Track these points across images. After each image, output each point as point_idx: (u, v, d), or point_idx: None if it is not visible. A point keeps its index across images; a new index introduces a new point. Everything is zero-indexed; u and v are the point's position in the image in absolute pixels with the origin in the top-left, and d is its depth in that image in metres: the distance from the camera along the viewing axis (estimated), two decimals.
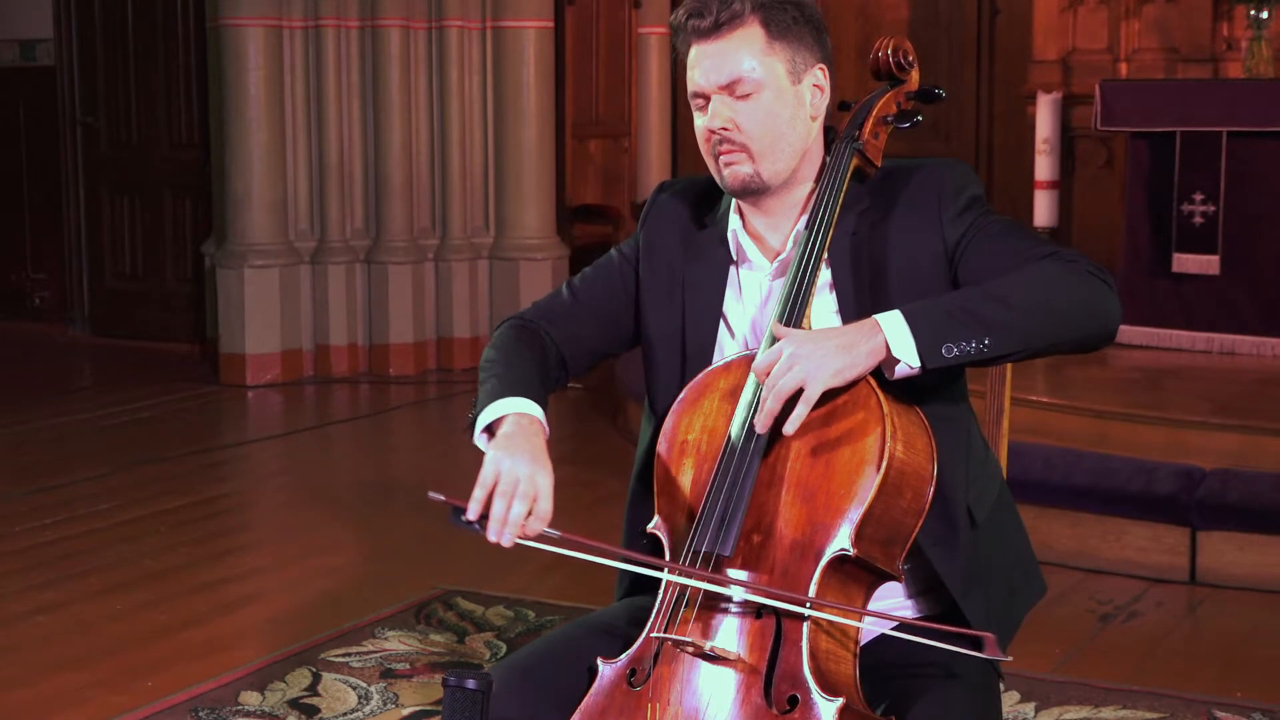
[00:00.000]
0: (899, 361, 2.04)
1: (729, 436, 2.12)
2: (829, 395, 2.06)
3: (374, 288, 7.84)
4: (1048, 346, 2.13)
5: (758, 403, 2.08)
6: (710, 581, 2.06)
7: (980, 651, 2.00)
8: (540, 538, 2.10)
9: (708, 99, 2.23)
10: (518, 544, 2.09)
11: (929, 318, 2.05)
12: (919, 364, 2.04)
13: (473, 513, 2.08)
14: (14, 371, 8.19)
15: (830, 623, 2.05)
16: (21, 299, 9.47)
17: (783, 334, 2.08)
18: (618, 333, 2.42)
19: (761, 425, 2.07)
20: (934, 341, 2.03)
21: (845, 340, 2.05)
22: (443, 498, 2.09)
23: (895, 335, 2.04)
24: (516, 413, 2.19)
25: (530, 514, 2.08)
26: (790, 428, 2.04)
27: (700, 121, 2.25)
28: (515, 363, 2.29)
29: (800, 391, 2.03)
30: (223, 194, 7.77)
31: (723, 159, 2.23)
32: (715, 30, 2.21)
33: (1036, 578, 2.40)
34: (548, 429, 2.21)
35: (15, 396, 7.41)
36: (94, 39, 8.89)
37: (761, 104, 2.21)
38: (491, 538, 2.07)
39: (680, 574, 2.08)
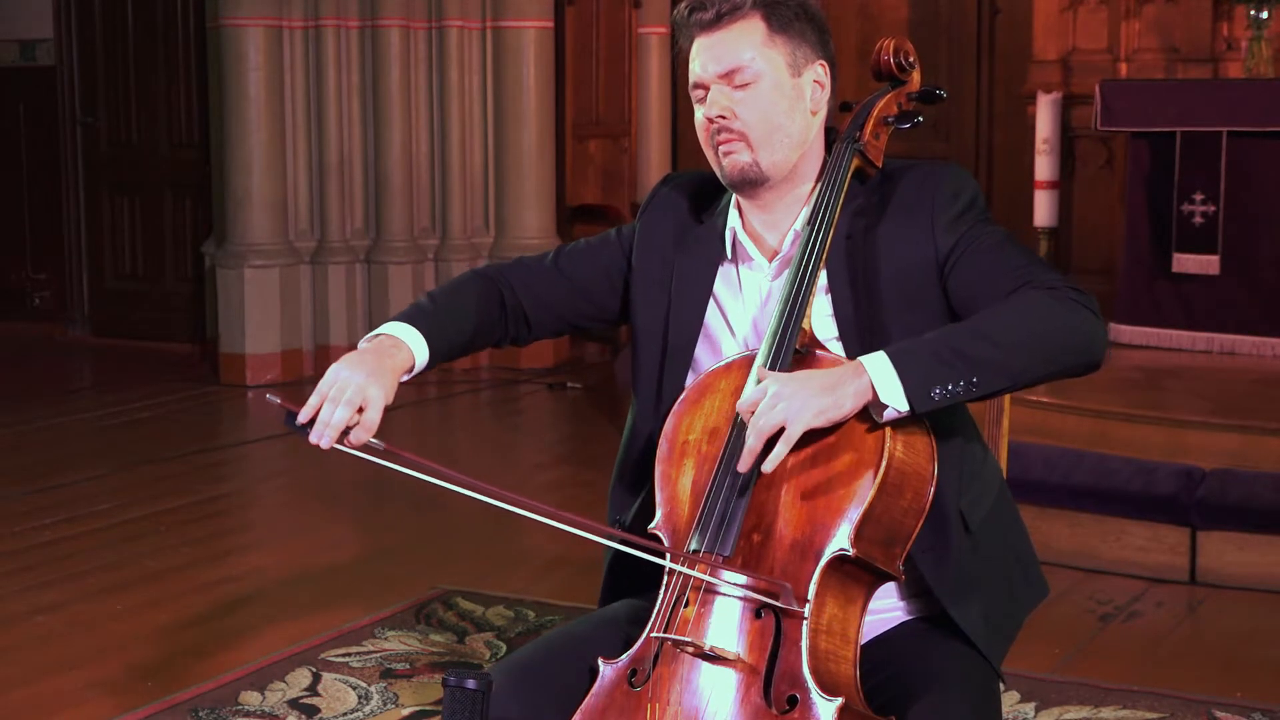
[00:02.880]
0: (887, 406, 2.03)
1: (729, 437, 2.12)
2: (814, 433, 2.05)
3: (374, 288, 7.85)
4: (1035, 380, 2.12)
5: (739, 438, 2.07)
6: (620, 541, 2.11)
7: (777, 600, 2.01)
8: (365, 448, 2.14)
9: (707, 89, 2.25)
10: (337, 449, 2.14)
11: (915, 359, 2.03)
12: (907, 408, 2.03)
13: (303, 416, 2.14)
14: (14, 371, 8.20)
15: (830, 623, 2.05)
16: (21, 299, 9.47)
17: (766, 375, 2.07)
18: (590, 308, 2.44)
19: (743, 464, 2.06)
20: (922, 384, 2.02)
21: (829, 381, 2.04)
22: (279, 400, 2.15)
23: (882, 379, 2.02)
24: (386, 334, 2.25)
25: (358, 425, 2.13)
26: (769, 466, 2.03)
27: (700, 113, 2.26)
28: (441, 301, 2.34)
29: (782, 430, 2.02)
30: (223, 194, 7.77)
31: (721, 148, 2.24)
32: (717, 21, 2.23)
33: (1038, 580, 2.39)
34: (418, 360, 2.25)
35: (15, 396, 7.41)
36: (94, 39, 8.89)
37: (759, 93, 2.22)
38: (312, 439, 2.13)
39: (556, 518, 2.12)
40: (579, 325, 2.49)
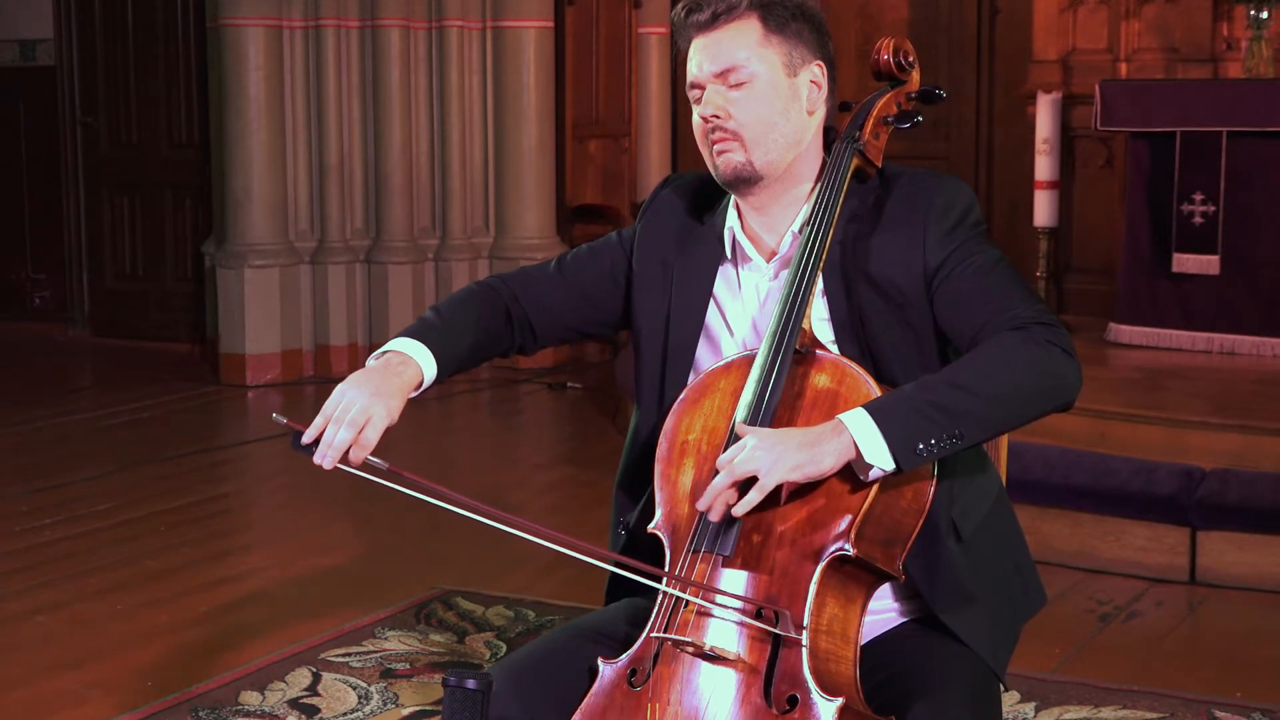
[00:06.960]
0: (872, 466, 2.01)
1: (729, 437, 2.12)
2: (824, 404, 2.06)
3: (374, 288, 7.85)
4: (1015, 425, 2.13)
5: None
6: (634, 571, 2.10)
7: (774, 627, 2.01)
8: (366, 467, 2.15)
9: (704, 89, 2.25)
10: (339, 469, 2.15)
11: (897, 416, 2.01)
12: (894, 466, 2.01)
13: (308, 437, 2.15)
14: (14, 371, 8.19)
15: (830, 623, 2.05)
16: (21, 299, 9.46)
17: (746, 431, 2.07)
18: (596, 315, 2.43)
19: (706, 504, 2.05)
20: (907, 441, 2.00)
21: (808, 438, 2.02)
22: (285, 420, 2.16)
23: (865, 437, 2.00)
24: (393, 350, 2.24)
25: (357, 443, 2.13)
26: (739, 510, 2.03)
27: (697, 113, 2.26)
28: (447, 315, 2.33)
29: (755, 479, 2.01)
30: (223, 194, 7.77)
31: (716, 147, 2.25)
32: (713, 22, 2.24)
33: (1036, 588, 2.39)
34: (426, 376, 2.24)
35: (15, 396, 7.41)
36: (94, 39, 8.88)
37: (754, 93, 2.23)
38: (315, 459, 2.14)
39: (565, 545, 2.11)
40: (585, 332, 2.48)
